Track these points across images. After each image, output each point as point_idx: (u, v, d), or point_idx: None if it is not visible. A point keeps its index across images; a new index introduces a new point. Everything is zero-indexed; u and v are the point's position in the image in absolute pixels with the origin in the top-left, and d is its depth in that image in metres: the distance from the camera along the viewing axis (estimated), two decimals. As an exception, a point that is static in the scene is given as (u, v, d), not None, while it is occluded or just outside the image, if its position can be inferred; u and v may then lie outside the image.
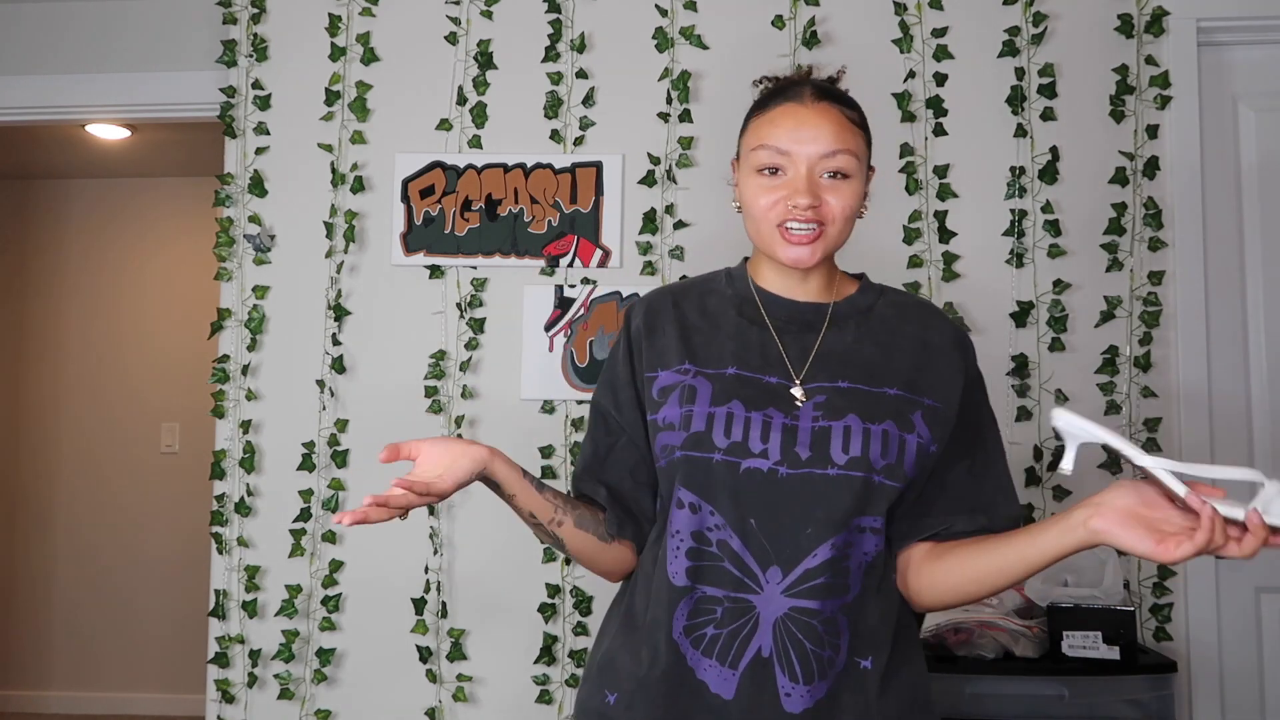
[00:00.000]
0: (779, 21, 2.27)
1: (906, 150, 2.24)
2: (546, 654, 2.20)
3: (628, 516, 1.19)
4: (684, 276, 2.19)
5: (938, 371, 1.16)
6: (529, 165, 2.30)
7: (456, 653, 2.23)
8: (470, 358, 2.29)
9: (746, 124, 1.20)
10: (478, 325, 2.29)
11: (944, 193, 2.23)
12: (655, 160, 2.28)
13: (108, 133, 3.89)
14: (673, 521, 1.12)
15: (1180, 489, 0.94)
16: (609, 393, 1.22)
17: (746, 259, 1.27)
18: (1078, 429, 1.01)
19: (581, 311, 2.27)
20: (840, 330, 1.18)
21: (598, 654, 1.19)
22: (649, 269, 2.25)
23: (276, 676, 2.25)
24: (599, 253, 2.28)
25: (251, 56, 2.38)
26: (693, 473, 1.10)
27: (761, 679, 1.06)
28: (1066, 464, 1.02)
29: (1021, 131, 2.23)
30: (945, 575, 1.11)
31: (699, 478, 1.10)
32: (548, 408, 2.26)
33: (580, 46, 2.31)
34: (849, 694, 1.08)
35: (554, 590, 2.22)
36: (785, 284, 1.20)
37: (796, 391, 1.13)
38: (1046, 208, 2.21)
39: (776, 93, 1.19)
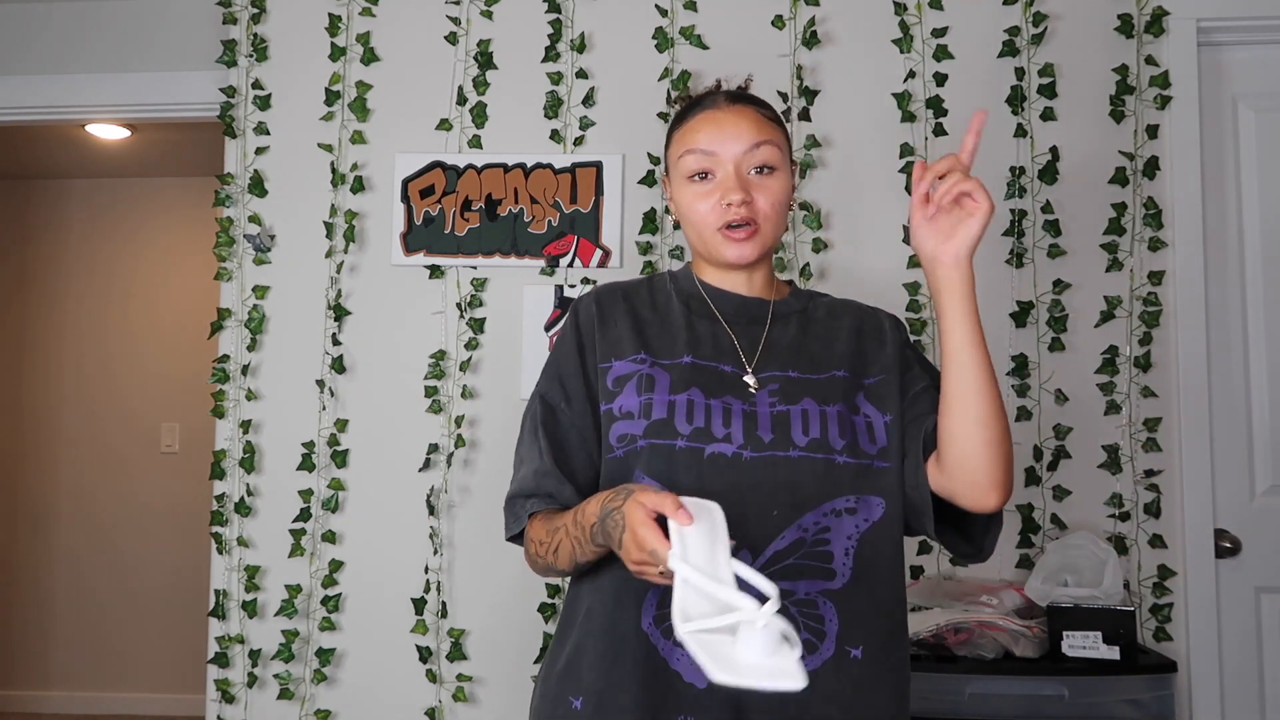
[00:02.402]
0: (779, 21, 2.27)
1: (906, 150, 2.24)
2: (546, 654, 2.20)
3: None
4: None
5: (873, 351, 1.22)
6: (529, 165, 2.30)
7: (456, 653, 2.23)
8: (470, 358, 2.29)
9: (670, 139, 1.25)
10: (478, 325, 2.29)
11: (944, 193, 2.22)
12: (655, 160, 2.28)
13: (108, 133, 3.89)
14: None
15: (705, 662, 0.85)
16: (556, 387, 1.21)
17: (688, 263, 1.31)
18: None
19: (581, 311, 2.26)
20: (784, 325, 1.23)
21: (557, 661, 1.17)
22: (649, 269, 2.25)
23: (276, 676, 2.25)
24: (599, 253, 2.28)
25: (251, 56, 2.38)
26: (656, 460, 1.11)
27: None
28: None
29: (1021, 131, 2.23)
30: (948, 433, 1.10)
31: (662, 465, 1.10)
32: (548, 408, 2.26)
33: (580, 46, 2.31)
34: (834, 681, 1.08)
35: (554, 590, 2.22)
36: (730, 281, 1.25)
37: (749, 379, 1.16)
38: (1046, 208, 2.21)
39: (692, 105, 1.24)
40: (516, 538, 1.22)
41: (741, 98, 1.23)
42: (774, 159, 1.18)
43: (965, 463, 1.09)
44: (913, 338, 2.18)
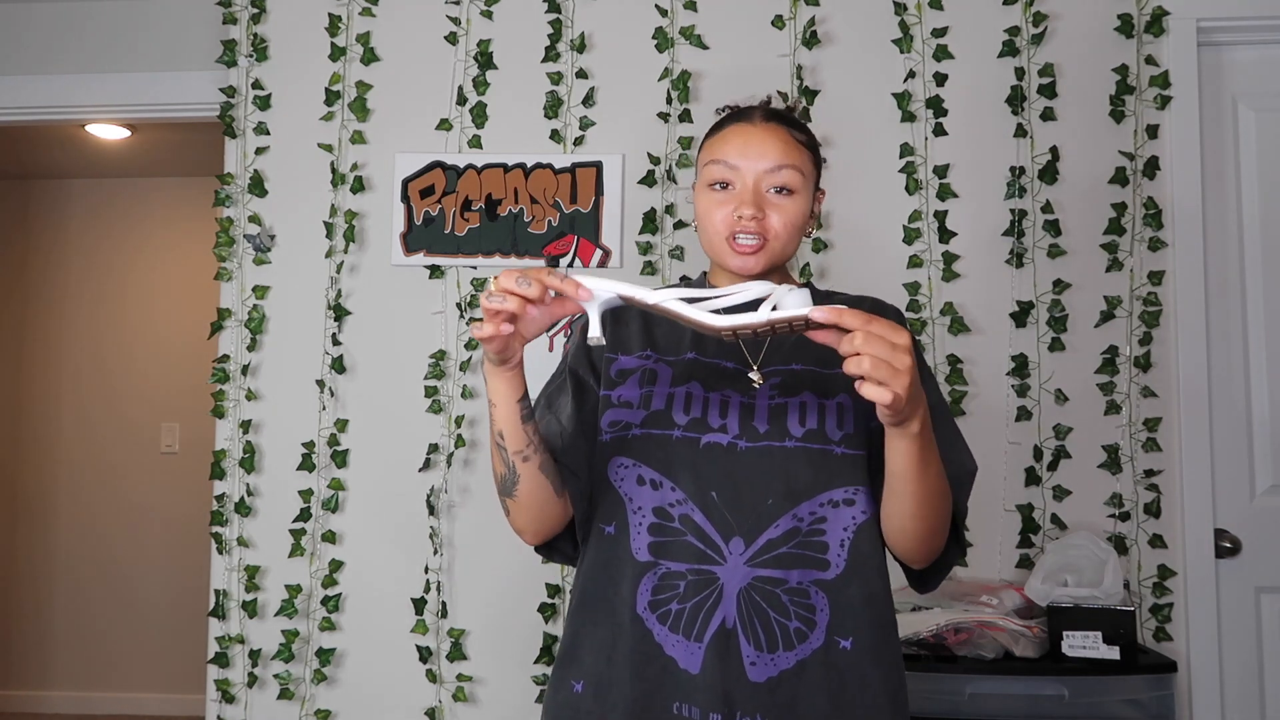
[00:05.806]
0: (779, 21, 2.27)
1: (906, 150, 2.24)
2: (546, 654, 2.20)
3: (571, 475, 1.17)
4: (683, 276, 2.19)
5: None
6: (529, 165, 2.30)
7: (456, 653, 2.23)
8: (470, 358, 2.29)
9: (702, 144, 1.27)
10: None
11: (944, 193, 2.23)
12: (655, 160, 2.28)
13: (108, 133, 3.89)
14: (634, 499, 1.15)
15: (692, 313, 0.96)
16: (584, 361, 1.25)
17: (705, 272, 1.33)
18: (595, 291, 0.99)
19: (581, 311, 2.27)
20: None
21: (561, 649, 1.20)
22: (649, 269, 2.25)
23: (276, 676, 2.25)
24: (599, 253, 2.28)
25: (251, 56, 2.39)
26: (652, 449, 1.13)
27: (725, 650, 1.08)
28: (594, 331, 1.01)
29: (1021, 131, 2.23)
30: (885, 511, 1.11)
31: (659, 454, 1.13)
32: (548, 408, 2.26)
33: (580, 46, 2.31)
34: (823, 671, 1.09)
35: (554, 590, 2.22)
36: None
37: (753, 375, 1.17)
38: (1046, 208, 2.21)
39: (730, 117, 1.26)
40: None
41: (777, 116, 1.23)
42: (794, 182, 1.18)
43: (893, 536, 1.12)
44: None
